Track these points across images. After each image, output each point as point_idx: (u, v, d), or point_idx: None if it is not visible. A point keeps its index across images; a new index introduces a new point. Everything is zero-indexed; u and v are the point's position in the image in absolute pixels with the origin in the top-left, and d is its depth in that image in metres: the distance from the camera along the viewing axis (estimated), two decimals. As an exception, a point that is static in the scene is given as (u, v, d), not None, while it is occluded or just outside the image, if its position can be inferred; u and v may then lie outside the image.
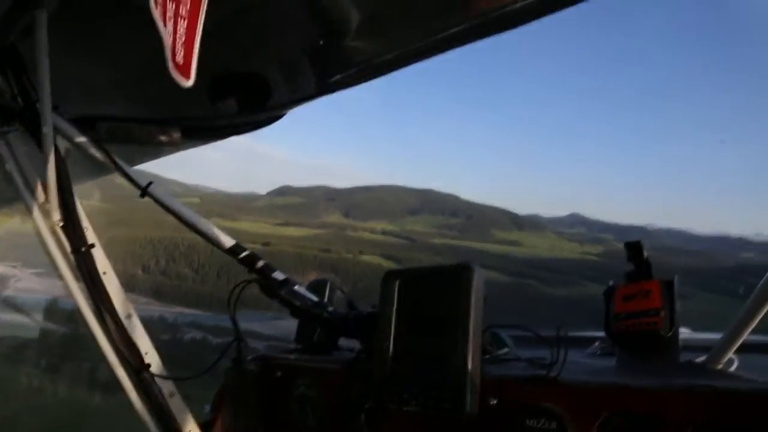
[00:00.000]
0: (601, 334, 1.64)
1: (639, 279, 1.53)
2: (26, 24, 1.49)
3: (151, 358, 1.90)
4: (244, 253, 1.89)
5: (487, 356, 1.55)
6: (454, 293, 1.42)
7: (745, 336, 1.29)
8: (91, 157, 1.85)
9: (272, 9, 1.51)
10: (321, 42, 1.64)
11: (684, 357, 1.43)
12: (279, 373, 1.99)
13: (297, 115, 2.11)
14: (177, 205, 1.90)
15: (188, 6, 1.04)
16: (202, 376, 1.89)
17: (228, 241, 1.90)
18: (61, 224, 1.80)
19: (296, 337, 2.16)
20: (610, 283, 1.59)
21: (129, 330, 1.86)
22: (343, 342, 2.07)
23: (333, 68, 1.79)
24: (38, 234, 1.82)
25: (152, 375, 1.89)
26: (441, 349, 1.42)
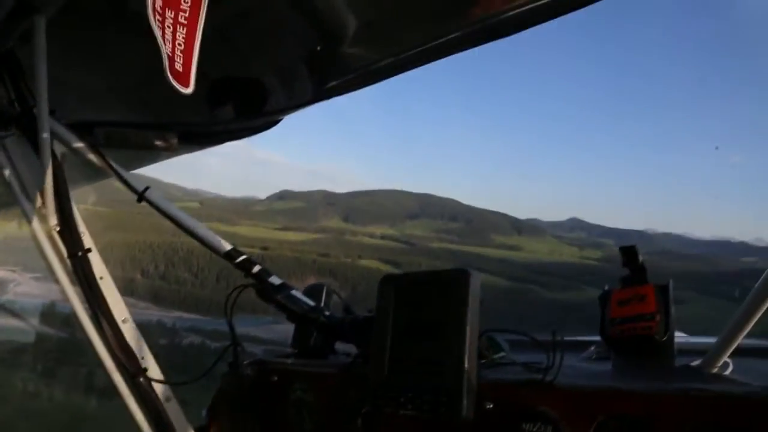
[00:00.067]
0: (597, 338, 1.64)
1: (634, 283, 1.53)
2: (24, 30, 1.49)
3: (148, 362, 1.90)
4: (240, 258, 1.88)
5: (484, 360, 1.54)
6: (451, 298, 1.43)
7: (740, 340, 1.29)
8: (88, 162, 1.86)
9: (269, 15, 1.51)
10: (318, 48, 1.64)
11: (679, 361, 1.43)
12: (275, 378, 1.98)
13: (297, 121, 2.12)
14: (173, 209, 1.90)
15: (187, 14, 1.03)
16: (199, 381, 1.89)
17: (224, 246, 1.90)
18: (58, 229, 1.81)
19: (293, 341, 2.15)
20: (606, 287, 1.60)
21: (125, 334, 1.86)
22: (339, 346, 2.06)
23: (330, 74, 1.79)
24: (35, 238, 1.83)
25: (149, 379, 1.89)
26: (437, 354, 1.42)
